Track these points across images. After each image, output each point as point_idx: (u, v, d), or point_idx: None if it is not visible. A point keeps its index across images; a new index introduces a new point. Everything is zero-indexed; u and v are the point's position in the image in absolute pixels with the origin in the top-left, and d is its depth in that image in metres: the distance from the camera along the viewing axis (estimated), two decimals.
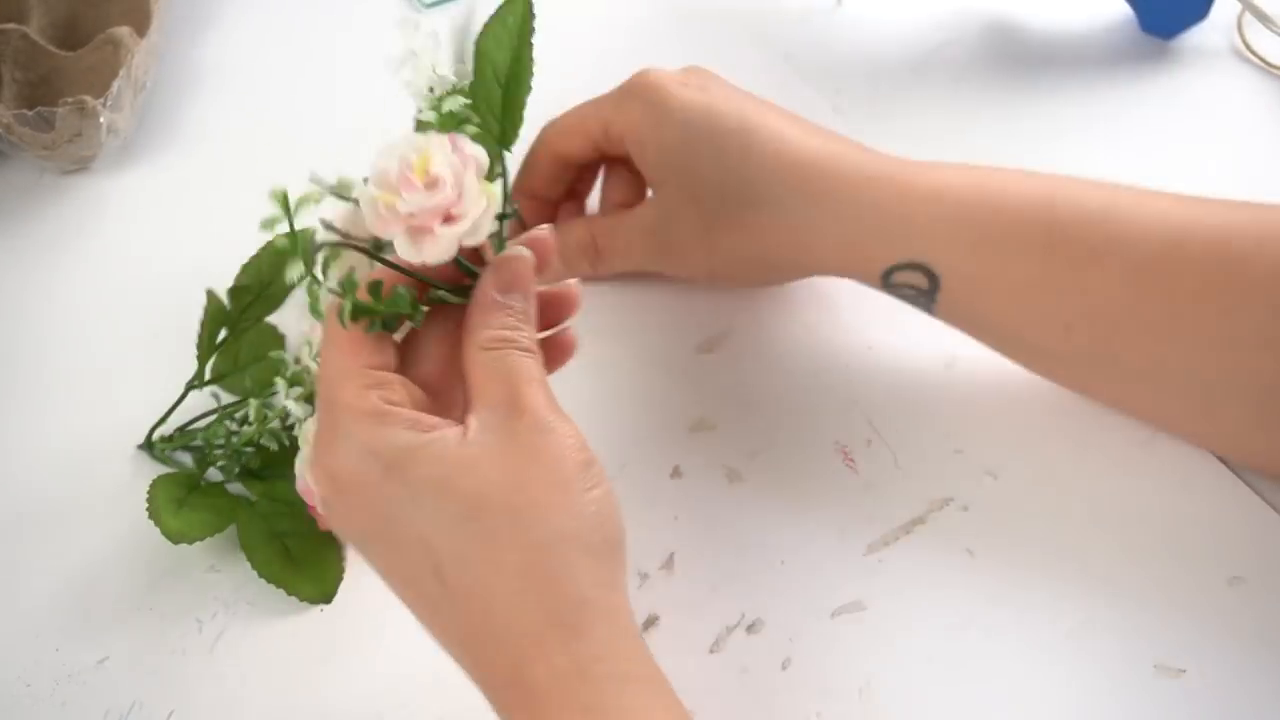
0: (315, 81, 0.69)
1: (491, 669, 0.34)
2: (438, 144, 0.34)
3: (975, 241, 0.44)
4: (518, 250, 0.38)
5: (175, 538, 0.44)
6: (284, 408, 0.46)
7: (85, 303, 0.58)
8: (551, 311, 0.39)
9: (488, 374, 0.35)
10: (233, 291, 0.48)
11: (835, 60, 0.68)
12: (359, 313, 0.35)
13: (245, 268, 0.48)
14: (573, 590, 0.33)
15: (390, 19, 0.73)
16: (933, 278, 0.45)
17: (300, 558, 0.46)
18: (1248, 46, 0.66)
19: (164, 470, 0.48)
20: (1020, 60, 0.67)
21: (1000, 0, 0.70)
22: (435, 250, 0.34)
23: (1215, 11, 0.65)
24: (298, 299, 0.49)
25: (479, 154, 0.34)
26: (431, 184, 0.33)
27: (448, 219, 0.34)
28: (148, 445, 0.50)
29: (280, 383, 0.47)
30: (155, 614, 0.46)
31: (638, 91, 0.49)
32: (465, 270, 0.38)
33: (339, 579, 0.46)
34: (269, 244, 0.48)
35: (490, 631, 0.33)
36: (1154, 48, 0.67)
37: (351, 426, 0.35)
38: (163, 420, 0.50)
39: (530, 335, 0.36)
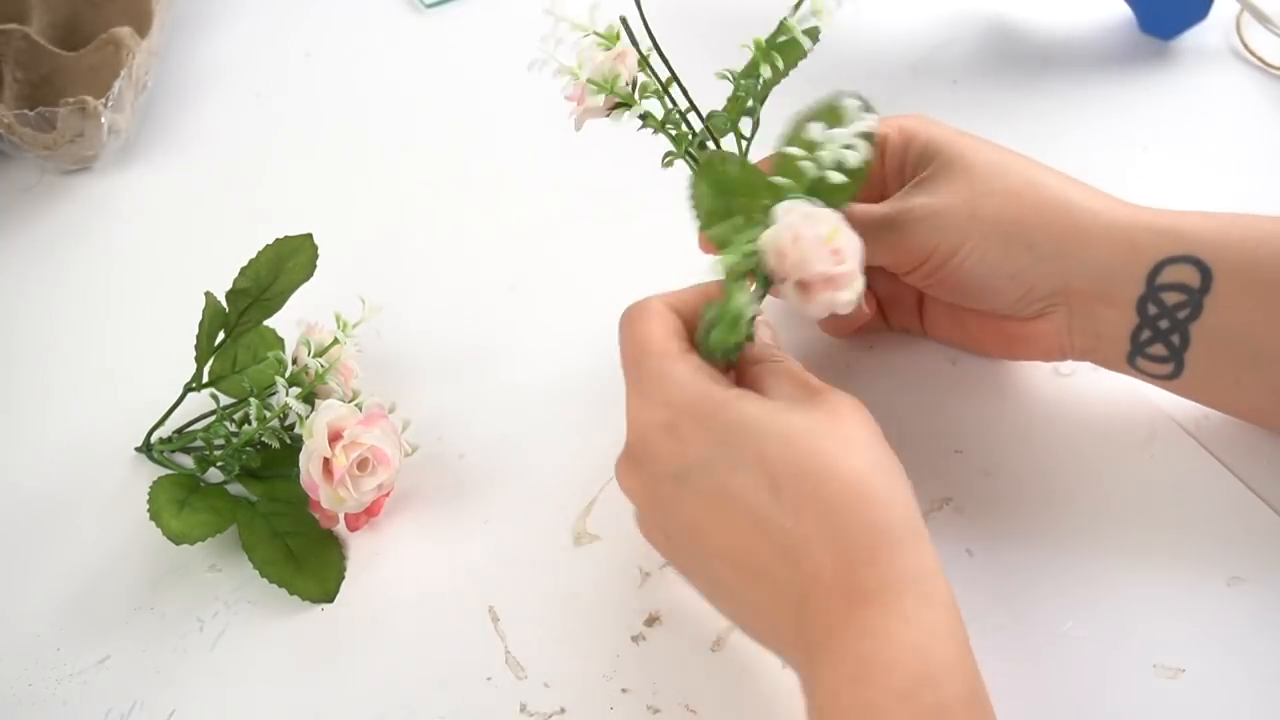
0: (316, 82, 0.69)
1: (816, 574, 0.36)
2: (840, 223, 0.39)
3: (1245, 237, 0.43)
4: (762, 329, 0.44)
5: (177, 539, 0.44)
6: (285, 405, 0.46)
7: (85, 303, 0.58)
8: None
9: (774, 377, 0.40)
10: (231, 294, 0.48)
11: (835, 60, 0.68)
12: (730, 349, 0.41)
13: (244, 271, 0.48)
14: (892, 514, 0.36)
15: (391, 19, 0.73)
16: (1205, 272, 0.42)
17: (302, 557, 0.46)
18: (1247, 47, 0.66)
19: (163, 472, 0.48)
20: (1020, 60, 0.67)
21: (1000, 0, 0.71)
22: (819, 307, 0.39)
23: (1214, 12, 0.65)
24: (295, 302, 0.49)
25: (859, 244, 0.40)
26: (836, 253, 0.39)
27: (828, 282, 0.39)
28: (145, 448, 0.50)
29: (280, 382, 0.47)
30: (156, 614, 0.46)
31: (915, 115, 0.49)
32: None
33: (340, 578, 0.46)
34: (268, 246, 0.48)
35: (821, 539, 0.36)
36: (1154, 48, 0.67)
37: (680, 366, 0.40)
38: (161, 422, 0.50)
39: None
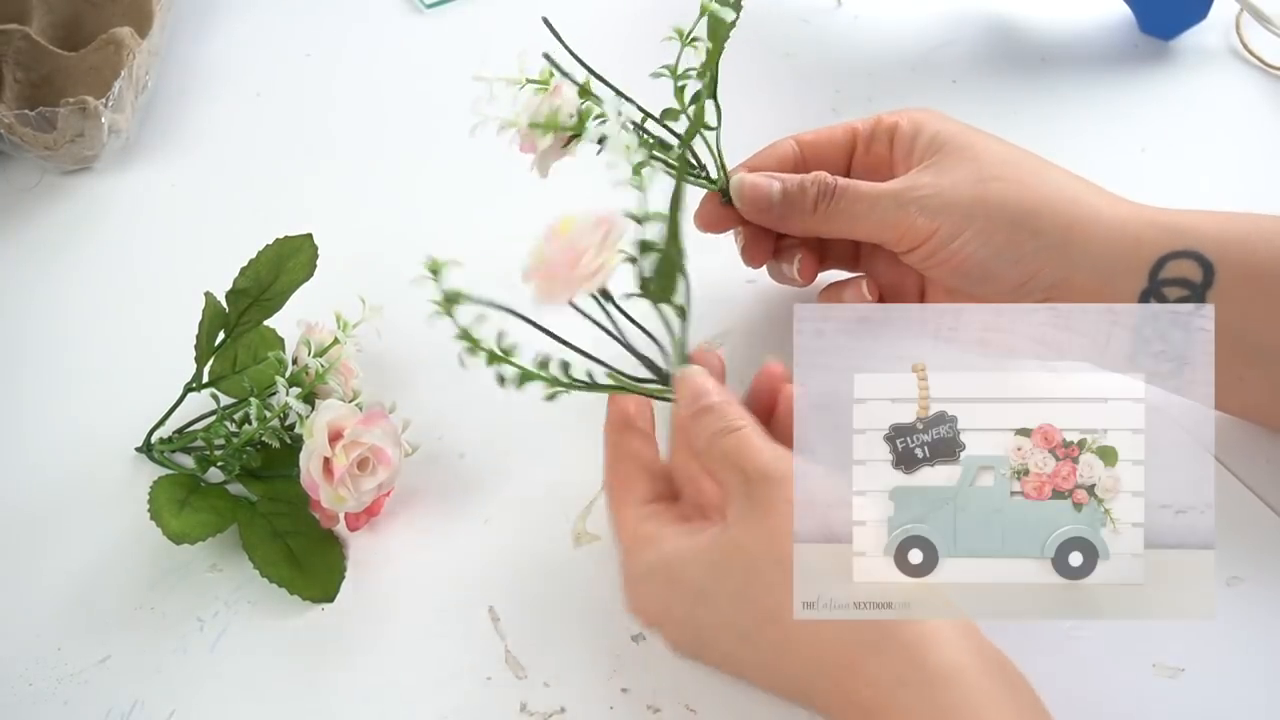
0: (316, 82, 0.69)
1: (827, 703, 0.37)
2: (583, 216, 0.40)
3: (1247, 233, 0.43)
4: (688, 369, 0.42)
5: (177, 538, 0.44)
6: (285, 405, 0.46)
7: (85, 303, 0.58)
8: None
9: (718, 469, 0.40)
10: (230, 295, 0.48)
11: (835, 60, 0.68)
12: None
13: (244, 271, 0.48)
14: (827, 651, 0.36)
15: (391, 19, 0.73)
16: (1207, 267, 0.43)
17: (302, 557, 0.46)
18: (1246, 47, 0.66)
19: (163, 472, 0.48)
20: (1020, 60, 0.67)
21: (1000, 0, 0.71)
22: (558, 291, 0.40)
23: (1214, 12, 0.65)
24: (295, 301, 0.49)
25: (617, 222, 0.40)
26: (555, 237, 0.40)
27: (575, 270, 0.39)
28: (146, 448, 0.50)
29: (280, 382, 0.47)
30: (157, 613, 0.46)
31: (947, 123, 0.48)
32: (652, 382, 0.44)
33: (341, 578, 0.46)
34: (268, 246, 0.48)
35: (806, 674, 0.37)
36: (1153, 48, 0.67)
37: (635, 563, 0.41)
38: (161, 422, 0.50)
39: (733, 414, 0.41)
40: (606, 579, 0.45)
